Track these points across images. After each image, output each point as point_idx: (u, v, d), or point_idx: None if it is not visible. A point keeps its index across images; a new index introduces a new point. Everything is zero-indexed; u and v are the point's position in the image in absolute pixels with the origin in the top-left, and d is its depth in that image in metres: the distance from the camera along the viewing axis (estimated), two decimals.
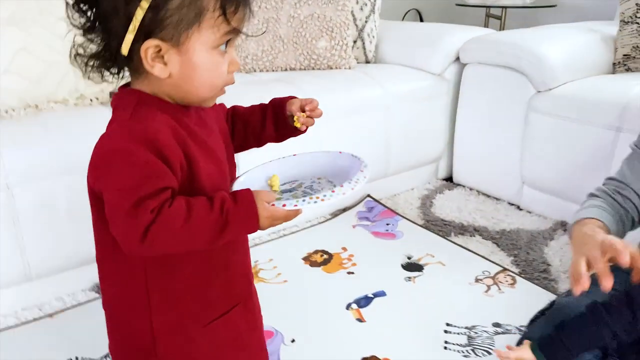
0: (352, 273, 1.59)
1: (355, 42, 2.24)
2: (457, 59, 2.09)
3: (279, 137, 0.90)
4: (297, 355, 1.27)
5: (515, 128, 1.90)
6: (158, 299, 0.75)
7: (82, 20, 0.69)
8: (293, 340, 1.31)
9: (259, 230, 0.69)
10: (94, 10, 0.68)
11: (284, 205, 0.68)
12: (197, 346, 0.79)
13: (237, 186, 0.76)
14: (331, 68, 2.10)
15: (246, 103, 0.96)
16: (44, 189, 1.36)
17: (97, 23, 0.69)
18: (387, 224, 1.87)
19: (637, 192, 1.18)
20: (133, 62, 0.69)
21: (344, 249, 1.72)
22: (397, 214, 1.93)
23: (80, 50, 0.70)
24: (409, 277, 1.56)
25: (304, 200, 0.69)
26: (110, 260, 0.76)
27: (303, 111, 0.86)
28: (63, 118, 1.49)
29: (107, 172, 0.67)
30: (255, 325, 0.90)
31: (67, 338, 1.32)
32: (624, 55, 1.97)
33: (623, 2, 2.00)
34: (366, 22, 2.26)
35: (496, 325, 1.34)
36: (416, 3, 3.13)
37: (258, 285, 1.48)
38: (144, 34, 0.66)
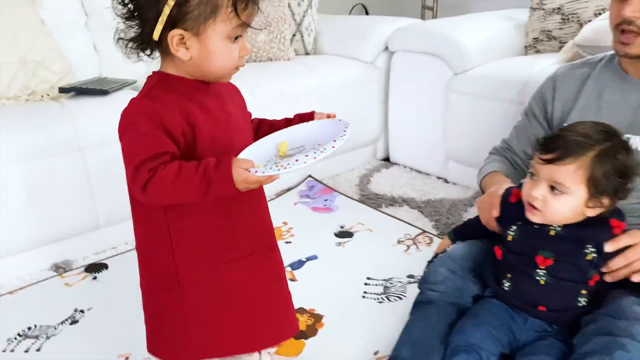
0: (290, 242, 1.76)
1: (294, 35, 2.41)
2: (387, 48, 2.28)
3: None
4: None
5: (438, 108, 2.09)
6: (178, 237, 0.90)
7: (124, 10, 0.86)
8: None
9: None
10: (133, 3, 0.85)
11: (255, 172, 0.78)
12: (215, 282, 0.93)
13: (245, 151, 0.86)
14: (271, 60, 2.26)
15: None
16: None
17: (135, 13, 0.85)
18: (326, 200, 2.05)
19: (518, 154, 1.40)
20: (162, 46, 0.86)
21: (285, 223, 1.89)
22: (335, 190, 2.11)
23: (122, 35, 0.87)
24: (340, 243, 1.73)
25: (271, 168, 0.78)
26: (139, 206, 0.93)
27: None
28: (16, 112, 1.63)
29: (121, 138, 0.86)
30: (279, 277, 1.01)
31: (28, 311, 1.46)
32: (534, 38, 2.18)
33: None
34: (304, 16, 2.43)
35: (410, 276, 1.52)
36: None
37: None
38: (170, 24, 0.83)
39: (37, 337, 1.36)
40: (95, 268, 1.67)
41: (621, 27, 1.14)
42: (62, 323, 1.41)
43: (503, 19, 2.26)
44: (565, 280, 1.02)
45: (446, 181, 2.17)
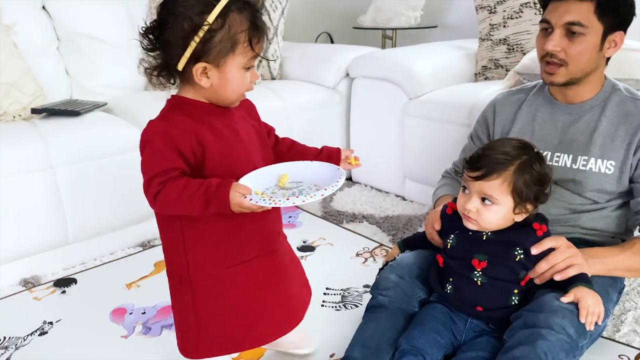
0: None
1: (260, 61, 2.53)
2: (348, 74, 2.42)
3: None
4: None
5: (395, 131, 2.23)
6: (190, 241, 1.01)
7: (148, 45, 0.97)
8: None
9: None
10: (161, 39, 0.96)
11: (250, 200, 0.89)
12: (220, 282, 1.03)
13: (249, 176, 0.96)
14: None
15: None
16: None
17: (158, 47, 0.97)
18: (290, 217, 2.14)
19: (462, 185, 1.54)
20: (184, 75, 0.97)
21: None
22: (299, 207, 2.21)
23: (145, 64, 0.99)
24: (302, 256, 1.83)
25: (263, 200, 0.88)
26: (159, 215, 1.05)
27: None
28: None
29: (141, 153, 0.98)
30: (280, 278, 1.09)
31: None
32: (483, 66, 2.36)
33: (480, 22, 2.39)
34: (269, 44, 2.55)
35: (366, 286, 1.63)
36: (327, 27, 3.45)
37: None
38: (194, 57, 0.94)
39: (6, 347, 1.40)
40: (64, 283, 1.72)
41: (546, 59, 1.29)
42: (31, 334, 1.46)
43: (455, 49, 2.43)
44: (498, 280, 1.14)
45: (403, 199, 2.30)
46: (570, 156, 1.31)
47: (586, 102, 1.32)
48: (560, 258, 1.12)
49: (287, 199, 0.89)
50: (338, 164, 1.13)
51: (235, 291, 1.04)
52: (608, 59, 1.31)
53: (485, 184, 1.10)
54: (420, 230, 1.99)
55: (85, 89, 2.30)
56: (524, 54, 2.21)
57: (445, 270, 1.21)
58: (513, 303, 1.15)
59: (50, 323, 1.51)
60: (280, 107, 2.26)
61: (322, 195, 0.92)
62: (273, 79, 2.58)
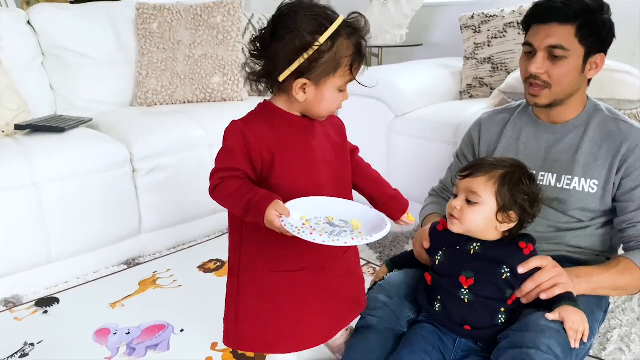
0: None
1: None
2: None
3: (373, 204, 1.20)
4: (185, 341, 1.49)
5: (382, 148, 2.24)
6: (246, 239, 1.07)
7: (254, 51, 1.02)
8: (182, 330, 1.53)
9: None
10: (269, 50, 0.99)
11: (282, 221, 0.91)
12: (262, 284, 1.07)
13: (295, 201, 0.99)
14: (225, 100, 2.37)
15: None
16: None
17: (264, 55, 1.01)
18: None
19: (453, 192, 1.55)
20: (283, 85, 1.01)
21: None
22: None
23: (248, 69, 1.04)
24: None
25: (291, 226, 0.90)
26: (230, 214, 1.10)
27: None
28: None
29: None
30: (319, 295, 1.10)
31: None
32: (467, 85, 2.39)
33: (465, 41, 2.43)
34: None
35: None
36: None
37: (155, 292, 1.71)
38: (297, 72, 0.98)
39: None
40: (46, 302, 1.69)
41: (529, 81, 1.31)
42: (11, 356, 1.42)
43: (440, 67, 2.46)
44: (485, 298, 1.14)
45: None
46: (555, 175, 1.33)
47: (569, 122, 1.34)
48: (546, 277, 1.13)
49: (311, 234, 0.90)
50: (403, 213, 1.16)
51: (273, 296, 1.07)
52: (589, 79, 1.33)
53: (472, 180, 1.15)
54: (408, 247, 2.00)
55: (70, 105, 2.28)
56: (508, 72, 2.25)
57: (433, 288, 1.22)
58: (500, 322, 1.15)
59: (32, 344, 1.48)
60: None
61: (346, 242, 0.91)
62: (260, 95, 2.58)
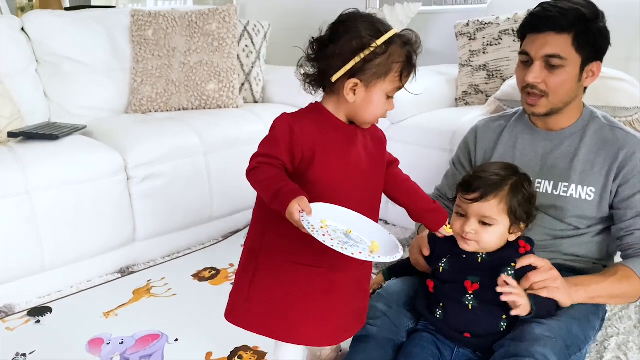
0: None
1: (243, 84, 2.53)
2: None
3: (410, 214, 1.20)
4: (179, 351, 1.47)
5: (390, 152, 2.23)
6: (270, 225, 1.08)
7: (311, 53, 1.06)
8: (176, 339, 1.51)
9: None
10: (322, 50, 1.04)
11: (301, 215, 0.93)
12: (279, 272, 1.08)
13: (323, 205, 1.01)
14: (220, 107, 2.36)
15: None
16: None
17: (320, 58, 1.05)
18: None
19: (450, 200, 1.54)
20: (334, 86, 1.05)
21: (231, 264, 1.94)
22: None
23: (302, 71, 1.08)
24: None
25: (308, 222, 0.93)
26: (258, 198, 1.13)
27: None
28: None
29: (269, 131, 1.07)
30: (332, 296, 1.10)
31: None
32: (463, 92, 2.39)
33: (461, 48, 2.44)
34: (252, 67, 2.56)
35: None
36: None
37: (149, 300, 1.70)
38: (350, 72, 1.02)
39: None
40: (38, 312, 1.67)
41: (527, 90, 1.31)
42: None
43: (436, 74, 2.46)
44: (489, 304, 1.14)
45: (387, 222, 2.29)
46: (551, 182, 1.33)
47: (566, 130, 1.34)
48: (538, 278, 1.14)
49: (323, 235, 0.93)
50: (441, 225, 1.14)
51: (288, 286, 1.09)
52: (586, 87, 1.33)
53: (483, 205, 1.15)
54: (406, 254, 1.99)
55: (65, 112, 2.27)
56: (504, 80, 2.25)
57: (435, 295, 1.21)
58: (501, 329, 1.15)
59: (24, 355, 1.45)
60: (262, 130, 2.23)
61: (352, 254, 0.93)
62: (256, 102, 2.58)
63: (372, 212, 1.13)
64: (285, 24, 3.14)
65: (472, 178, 1.18)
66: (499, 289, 1.10)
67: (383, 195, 1.20)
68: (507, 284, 1.10)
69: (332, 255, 1.06)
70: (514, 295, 1.09)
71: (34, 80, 2.23)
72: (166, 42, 2.35)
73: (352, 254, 0.92)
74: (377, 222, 1.12)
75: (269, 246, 1.10)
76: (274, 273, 1.10)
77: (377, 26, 1.03)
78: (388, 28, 1.04)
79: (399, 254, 0.99)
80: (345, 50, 1.02)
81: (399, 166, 1.24)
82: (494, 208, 1.14)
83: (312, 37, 1.07)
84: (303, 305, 1.09)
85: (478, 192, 1.15)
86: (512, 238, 1.18)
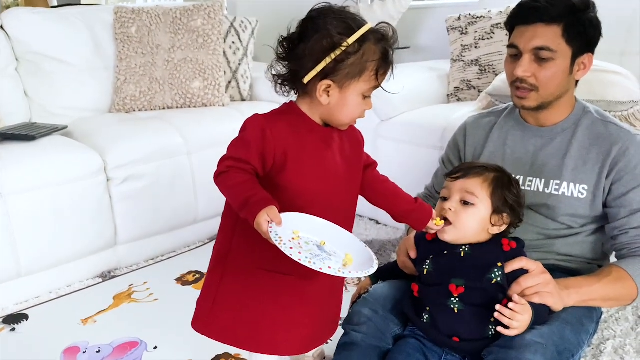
0: None
1: (230, 82, 2.47)
2: None
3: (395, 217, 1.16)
4: (158, 359, 1.41)
5: (368, 152, 2.17)
6: (240, 231, 1.04)
7: (281, 52, 1.01)
8: (155, 347, 1.46)
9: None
10: (293, 49, 0.99)
11: (270, 226, 0.90)
12: (248, 279, 1.04)
13: (295, 215, 0.97)
14: (206, 106, 2.30)
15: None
16: None
17: (291, 57, 1.00)
18: None
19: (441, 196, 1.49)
20: (307, 88, 1.00)
21: None
22: None
23: (273, 71, 1.03)
24: None
25: (276, 235, 0.89)
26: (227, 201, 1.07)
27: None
28: None
29: (238, 132, 1.02)
30: (301, 304, 1.07)
31: None
32: (455, 87, 2.33)
33: (452, 43, 2.38)
34: (239, 64, 2.50)
35: None
36: None
37: (129, 306, 1.64)
38: (322, 74, 0.97)
39: None
40: (14, 319, 1.61)
41: (516, 85, 1.25)
42: None
43: (427, 70, 2.41)
44: (476, 306, 1.09)
45: (377, 222, 2.24)
46: (543, 180, 1.28)
47: (557, 125, 1.29)
48: (530, 283, 1.08)
49: (291, 248, 0.89)
50: (426, 223, 1.11)
51: (256, 293, 1.05)
52: (577, 81, 1.28)
53: (467, 180, 1.12)
54: (394, 256, 1.93)
55: (46, 112, 2.21)
56: (496, 75, 2.20)
57: (421, 300, 1.16)
58: (490, 334, 1.09)
59: None
60: None
61: (320, 269, 0.89)
62: (243, 100, 2.52)
63: (347, 219, 1.09)
64: (274, 20, 3.08)
65: (460, 165, 1.19)
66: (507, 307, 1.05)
67: None
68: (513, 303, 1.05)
69: (295, 264, 1.02)
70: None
71: (14, 79, 2.17)
72: (150, 39, 2.29)
73: (320, 268, 0.88)
74: (352, 227, 1.08)
75: (237, 251, 1.05)
76: (242, 279, 1.05)
77: (349, 23, 0.98)
78: (361, 24, 0.99)
79: (372, 269, 0.95)
80: (315, 50, 0.96)
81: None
82: (477, 185, 1.11)
83: (281, 36, 1.02)
84: (272, 313, 1.05)
85: (463, 171, 1.14)
86: (494, 231, 1.13)
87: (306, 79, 0.98)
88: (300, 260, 0.88)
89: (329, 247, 0.98)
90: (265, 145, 0.97)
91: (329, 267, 0.89)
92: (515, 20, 1.25)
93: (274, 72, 1.03)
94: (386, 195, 1.14)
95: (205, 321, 1.08)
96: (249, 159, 0.97)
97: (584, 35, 1.20)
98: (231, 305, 1.05)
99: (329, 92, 0.99)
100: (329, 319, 1.15)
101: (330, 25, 0.97)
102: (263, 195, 0.93)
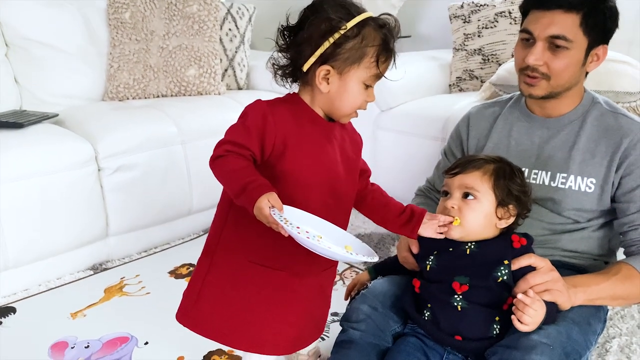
0: None
1: (226, 70, 2.41)
2: None
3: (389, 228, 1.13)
4: (149, 355, 1.37)
5: (367, 144, 2.09)
6: (232, 222, 1.02)
7: (282, 42, 0.99)
8: (146, 343, 1.41)
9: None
10: (293, 38, 0.97)
11: (272, 211, 0.87)
12: (236, 272, 1.01)
13: (293, 209, 0.94)
14: (201, 94, 2.25)
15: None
16: None
17: (293, 46, 0.98)
18: None
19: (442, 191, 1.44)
20: (307, 76, 0.98)
21: None
22: None
23: (274, 62, 1.00)
24: None
25: (280, 217, 0.86)
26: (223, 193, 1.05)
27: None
28: None
29: (239, 117, 0.99)
30: (291, 302, 1.04)
31: None
32: (457, 77, 2.28)
33: (454, 32, 2.32)
34: (236, 52, 2.44)
35: (334, 314, 1.50)
36: None
37: (120, 300, 1.60)
38: (322, 59, 0.95)
39: None
40: (1, 313, 1.56)
41: (526, 72, 1.20)
42: None
43: (429, 59, 2.35)
44: (480, 304, 1.04)
45: None
46: (549, 173, 1.23)
47: (564, 116, 1.24)
48: (539, 280, 1.04)
49: (298, 227, 0.86)
50: (419, 226, 1.07)
51: (244, 287, 1.02)
52: (587, 72, 1.23)
53: (465, 176, 1.08)
54: (393, 250, 1.89)
55: (37, 100, 2.14)
56: (500, 64, 2.14)
57: (422, 296, 1.12)
58: (494, 333, 1.05)
59: None
60: None
61: (329, 247, 0.87)
62: (240, 88, 2.46)
63: (343, 217, 1.06)
64: (272, 7, 3.02)
65: (458, 160, 1.14)
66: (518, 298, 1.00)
67: None
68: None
69: (296, 258, 0.99)
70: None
71: (4, 65, 2.10)
72: (144, 25, 2.23)
73: (330, 247, 0.85)
74: (346, 227, 1.05)
75: (226, 243, 1.02)
76: (230, 272, 1.02)
77: (349, 8, 0.96)
78: (361, 11, 0.97)
79: (376, 257, 0.93)
80: (314, 35, 0.95)
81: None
82: (478, 178, 1.07)
83: (281, 25, 0.99)
84: (258, 310, 1.01)
85: (461, 167, 1.10)
86: (502, 225, 1.08)
87: (305, 66, 0.95)
88: (308, 238, 0.84)
89: (327, 242, 0.94)
90: (266, 130, 0.95)
91: (338, 248, 0.86)
92: (532, 4, 1.19)
93: (274, 63, 1.01)
94: (377, 209, 1.12)
95: (189, 314, 1.05)
96: (248, 144, 0.94)
97: (601, 25, 1.15)
98: (216, 300, 1.02)
99: (328, 78, 0.96)
100: (316, 320, 1.12)
101: (330, 9, 0.95)
102: (263, 181, 0.91)
